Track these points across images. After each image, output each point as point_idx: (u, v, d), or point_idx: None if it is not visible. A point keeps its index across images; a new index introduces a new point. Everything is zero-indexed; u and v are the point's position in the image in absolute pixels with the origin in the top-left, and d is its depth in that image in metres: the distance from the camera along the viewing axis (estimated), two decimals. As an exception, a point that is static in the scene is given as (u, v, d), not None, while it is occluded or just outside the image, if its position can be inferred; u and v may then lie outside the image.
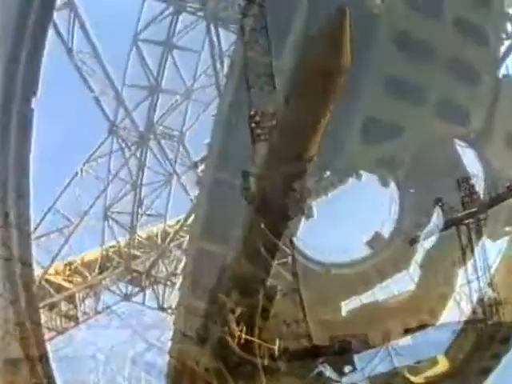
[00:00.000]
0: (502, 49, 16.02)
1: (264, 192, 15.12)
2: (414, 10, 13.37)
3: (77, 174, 24.48)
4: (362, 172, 18.96)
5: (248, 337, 17.44)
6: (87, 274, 25.51)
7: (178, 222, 24.16)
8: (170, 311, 21.44)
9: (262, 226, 16.23)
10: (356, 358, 22.43)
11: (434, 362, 21.69)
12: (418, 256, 23.14)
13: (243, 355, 17.05)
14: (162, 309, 23.68)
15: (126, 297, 26.15)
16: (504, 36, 16.12)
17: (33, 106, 13.11)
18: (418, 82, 13.60)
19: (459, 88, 14.10)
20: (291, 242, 22.34)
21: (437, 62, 13.73)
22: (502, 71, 15.85)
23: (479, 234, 19.44)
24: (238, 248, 14.77)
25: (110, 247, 25.74)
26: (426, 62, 13.69)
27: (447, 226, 20.85)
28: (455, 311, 21.88)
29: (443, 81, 13.92)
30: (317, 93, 11.99)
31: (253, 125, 13.28)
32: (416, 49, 13.53)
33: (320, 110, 12.25)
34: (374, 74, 13.42)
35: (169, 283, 23.33)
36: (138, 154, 23.18)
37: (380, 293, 23.58)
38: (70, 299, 25.37)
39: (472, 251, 21.35)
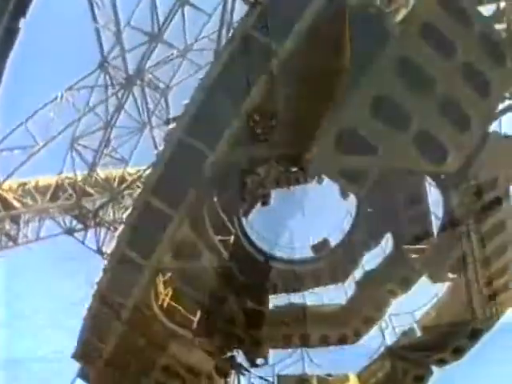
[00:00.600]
0: (501, 106, 16.01)
1: (226, 167, 15.17)
2: (428, 43, 13.25)
3: (56, 98, 24.20)
4: (324, 177, 19.13)
5: (172, 302, 17.59)
6: (38, 199, 25.21)
7: (139, 171, 24.08)
8: (105, 256, 21.27)
9: (215, 198, 16.40)
10: (271, 353, 22.82)
11: (344, 379, 21.85)
12: (358, 273, 23.45)
13: (161, 319, 17.17)
14: (100, 252, 23.57)
15: (69, 230, 26.11)
16: (507, 95, 16.16)
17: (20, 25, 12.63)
18: (407, 108, 13.53)
19: (445, 127, 14.08)
20: (239, 222, 22.67)
21: (432, 96, 13.69)
22: (493, 127, 15.84)
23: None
24: (183, 212, 14.74)
25: (67, 178, 25.39)
26: (421, 93, 13.61)
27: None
28: (379, 338, 22.17)
29: (432, 116, 13.89)
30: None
31: (251, 123, 13.33)
32: (416, 77, 13.46)
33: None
34: (366, 87, 13.29)
35: (112, 228, 23.24)
36: (120, 95, 22.86)
37: (310, 297, 23.90)
38: (15, 219, 25.22)
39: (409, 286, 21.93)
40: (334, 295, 24.02)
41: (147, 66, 22.60)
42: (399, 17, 13.06)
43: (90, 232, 25.29)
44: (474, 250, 16.59)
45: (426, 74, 13.24)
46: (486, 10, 15.21)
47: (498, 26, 14.78)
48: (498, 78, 14.09)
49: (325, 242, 25.70)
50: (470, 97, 13.81)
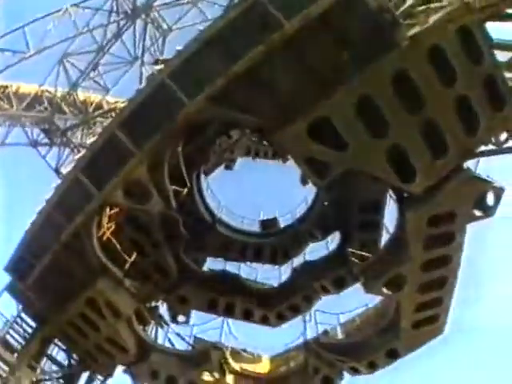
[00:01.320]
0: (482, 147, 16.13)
1: (200, 121, 15.21)
2: (432, 64, 13.19)
3: (59, 10, 23.91)
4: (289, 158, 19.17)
5: (111, 237, 17.65)
6: (14, 104, 25.05)
7: (117, 102, 23.94)
8: (61, 176, 21.20)
9: (180, 148, 16.43)
10: (194, 314, 23.06)
11: (257, 359, 22.36)
12: (297, 261, 23.85)
13: (97, 251, 17.20)
14: (57, 171, 23.47)
15: (34, 143, 25.95)
16: (492, 140, 16.29)
17: None
18: (390, 119, 13.51)
19: (421, 149, 14.10)
20: (198, 178, 22.83)
21: (418, 115, 13.69)
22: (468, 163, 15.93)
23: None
24: (145, 152, 14.78)
25: (47, 91, 25.25)
26: (408, 108, 13.59)
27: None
28: (300, 328, 22.47)
29: (412, 133, 13.87)
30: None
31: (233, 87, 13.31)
32: (408, 92, 13.41)
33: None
34: (357, 84, 13.19)
35: (75, 151, 23.13)
36: (121, 24, 22.65)
37: (245, 270, 24.24)
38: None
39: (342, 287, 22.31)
40: (268, 275, 24.57)
41: (156, 3, 22.53)
42: (412, 31, 12.96)
43: (54, 150, 25.23)
44: (414, 273, 16.67)
45: (419, 92, 13.16)
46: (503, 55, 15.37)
47: (508, 75, 14.86)
48: (490, 122, 14.10)
49: (274, 220, 26.14)
50: (455, 128, 13.76)
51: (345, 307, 21.82)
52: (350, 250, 20.36)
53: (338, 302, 22.88)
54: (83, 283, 17.47)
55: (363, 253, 19.94)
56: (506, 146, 16.16)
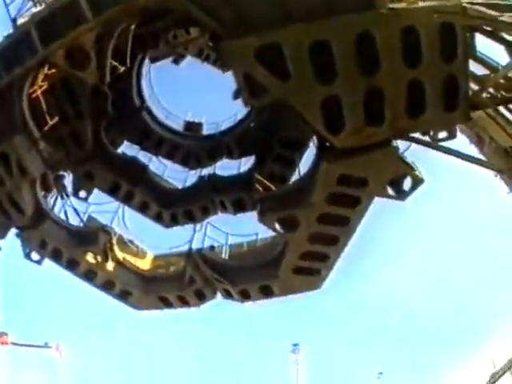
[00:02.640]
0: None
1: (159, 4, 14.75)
2: (401, 41, 12.98)
3: None
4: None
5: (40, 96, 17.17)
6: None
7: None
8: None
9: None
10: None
11: (141, 254, 22.48)
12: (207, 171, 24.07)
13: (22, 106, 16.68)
14: (13, 21, 22.01)
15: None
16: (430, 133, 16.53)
17: None
18: (340, 69, 13.29)
19: (359, 110, 13.78)
20: (141, 62, 22.19)
21: (368, 79, 13.41)
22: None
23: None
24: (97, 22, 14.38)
25: None
26: (362, 67, 13.37)
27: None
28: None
29: (355, 91, 13.65)
30: None
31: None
32: (368, 53, 13.08)
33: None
34: (318, 26, 13.00)
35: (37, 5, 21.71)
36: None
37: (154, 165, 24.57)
38: None
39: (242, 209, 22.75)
40: (176, 176, 24.87)
41: None
42: (395, 5, 12.79)
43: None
44: (310, 221, 16.96)
45: (378, 60, 13.03)
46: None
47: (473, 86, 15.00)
48: (434, 116, 14.12)
49: (198, 125, 26.43)
50: (399, 105, 13.61)
51: (238, 230, 21.98)
52: (258, 177, 20.29)
53: (233, 223, 23.11)
54: (1, 136, 16.96)
55: (270, 184, 19.87)
56: (441, 144, 16.45)
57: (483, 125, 17.47)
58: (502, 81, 15.32)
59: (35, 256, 20.46)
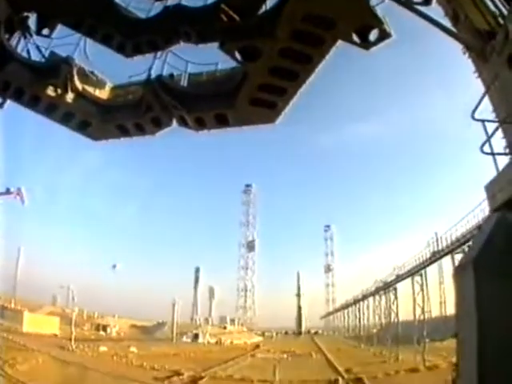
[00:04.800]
0: None
1: None
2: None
3: None
4: None
5: None
6: None
7: None
8: None
9: None
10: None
11: (101, 84, 22.86)
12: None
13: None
14: None
15: None
16: None
17: None
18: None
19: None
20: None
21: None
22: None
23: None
24: None
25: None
26: None
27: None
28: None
29: None
30: None
31: None
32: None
33: None
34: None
35: None
36: None
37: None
38: None
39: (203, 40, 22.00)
40: (141, 6, 23.41)
41: None
42: None
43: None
44: (272, 53, 17.51)
45: None
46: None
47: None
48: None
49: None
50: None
51: (199, 59, 22.08)
52: (225, 8, 19.39)
53: (193, 54, 22.59)
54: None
55: (235, 16, 19.13)
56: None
57: (461, 1, 17.10)
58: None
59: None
